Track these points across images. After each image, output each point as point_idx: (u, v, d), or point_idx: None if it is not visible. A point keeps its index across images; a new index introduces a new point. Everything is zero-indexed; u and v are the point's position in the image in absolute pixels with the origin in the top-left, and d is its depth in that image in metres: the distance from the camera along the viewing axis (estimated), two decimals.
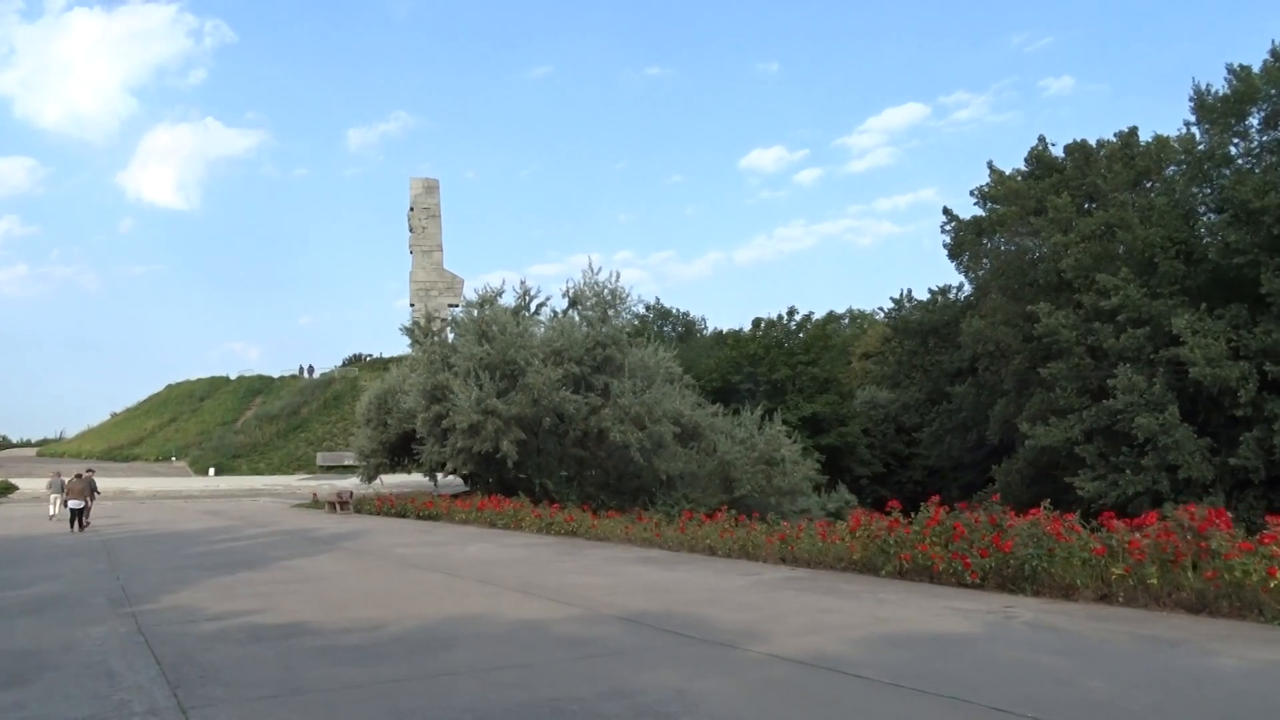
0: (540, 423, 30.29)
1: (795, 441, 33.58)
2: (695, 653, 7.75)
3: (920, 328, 51.67)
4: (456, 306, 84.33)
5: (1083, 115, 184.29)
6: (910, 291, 55.29)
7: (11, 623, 10.17)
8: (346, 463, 74.49)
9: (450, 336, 37.94)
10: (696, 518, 17.94)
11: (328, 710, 6.17)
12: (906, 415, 53.39)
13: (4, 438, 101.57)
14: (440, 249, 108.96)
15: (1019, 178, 44.72)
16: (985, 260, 50.40)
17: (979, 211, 51.23)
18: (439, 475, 42.52)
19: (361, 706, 6.22)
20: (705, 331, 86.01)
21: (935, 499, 14.13)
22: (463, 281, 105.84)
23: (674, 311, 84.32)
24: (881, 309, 60.93)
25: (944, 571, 11.64)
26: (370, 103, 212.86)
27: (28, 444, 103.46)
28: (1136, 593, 9.79)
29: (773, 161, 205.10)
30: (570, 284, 37.01)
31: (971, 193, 51.65)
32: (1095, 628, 8.43)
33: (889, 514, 13.55)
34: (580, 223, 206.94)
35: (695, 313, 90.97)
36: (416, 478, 47.18)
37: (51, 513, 33.33)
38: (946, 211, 52.44)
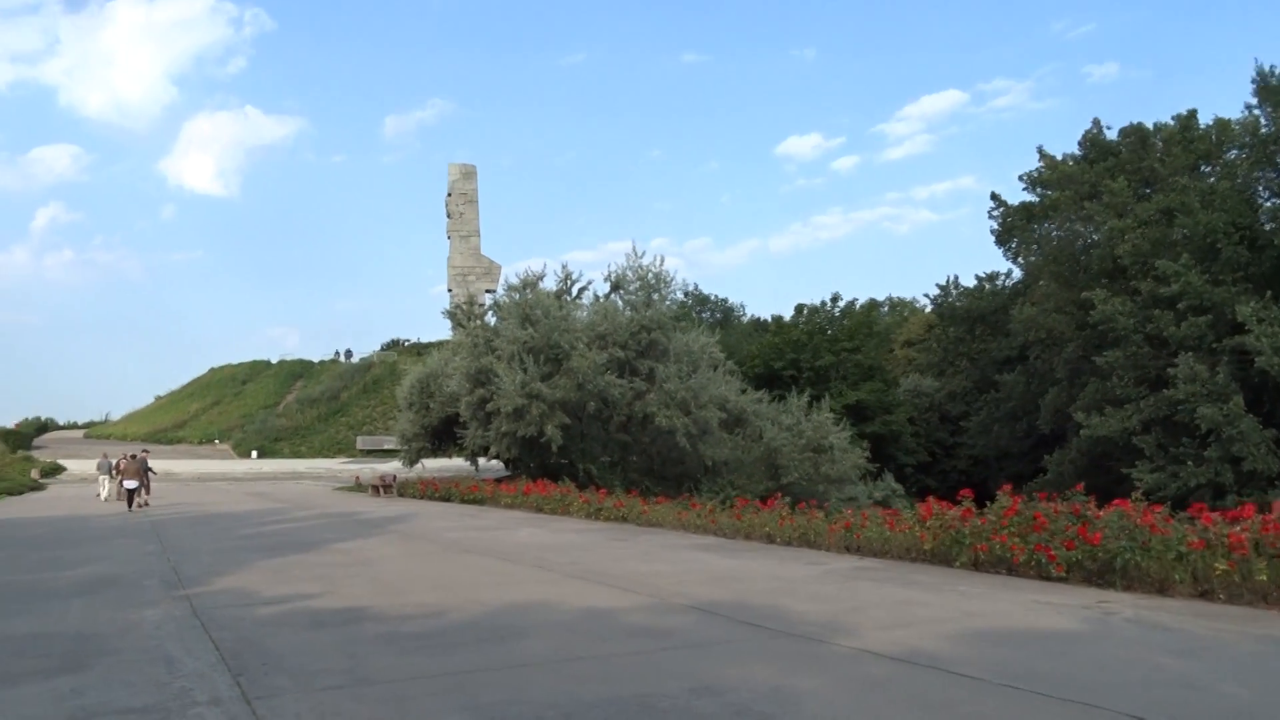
0: (584, 407, 29.93)
1: (843, 429, 32.96)
2: (781, 647, 7.30)
3: (967, 315, 50.65)
4: (494, 292, 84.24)
5: (1127, 102, 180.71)
6: (957, 278, 54.30)
7: (66, 604, 9.94)
8: (386, 446, 74.85)
9: (492, 320, 37.68)
10: (752, 504, 17.45)
11: (400, 703, 5.79)
12: (952, 404, 52.46)
13: (51, 420, 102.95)
14: (478, 234, 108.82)
15: (1071, 162, 43.56)
16: (1035, 246, 49.28)
17: (1029, 197, 50.11)
18: (480, 460, 42.48)
19: (435, 700, 5.83)
20: (744, 318, 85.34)
21: (1007, 488, 13.58)
22: (500, 267, 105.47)
23: (712, 298, 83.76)
24: (927, 295, 59.97)
25: (1024, 564, 11.08)
26: (407, 90, 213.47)
27: (74, 426, 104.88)
28: (1241, 589, 9.20)
29: (809, 148, 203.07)
30: (612, 268, 36.59)
31: (1020, 178, 50.58)
32: (1206, 626, 7.88)
33: (959, 503, 13.02)
34: (616, 210, 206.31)
35: (732, 300, 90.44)
36: (457, 462, 47.10)
37: (101, 494, 33.68)
38: (995, 197, 51.39)
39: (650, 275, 33.33)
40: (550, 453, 30.47)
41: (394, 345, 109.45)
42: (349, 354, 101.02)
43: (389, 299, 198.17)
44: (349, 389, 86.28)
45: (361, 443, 75.99)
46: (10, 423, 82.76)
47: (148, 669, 6.83)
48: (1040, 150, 49.21)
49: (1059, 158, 47.98)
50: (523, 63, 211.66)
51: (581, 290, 37.21)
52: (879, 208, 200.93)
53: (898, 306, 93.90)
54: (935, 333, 59.06)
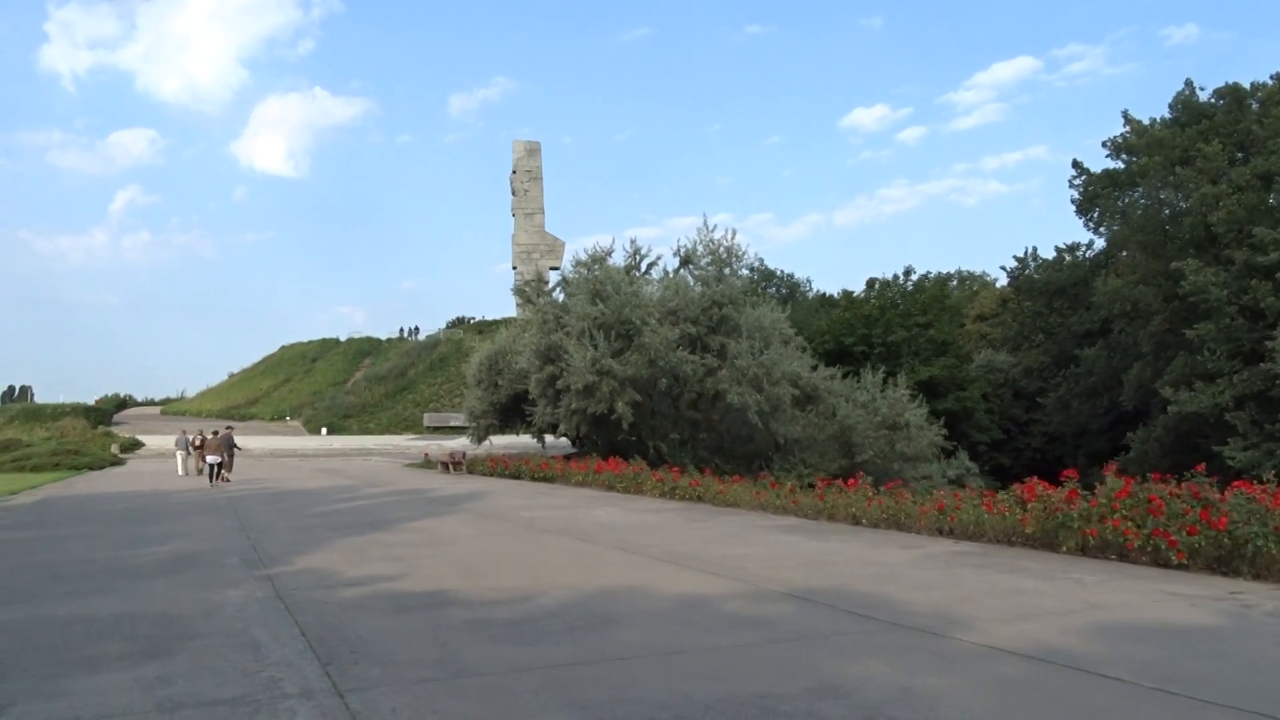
0: (655, 384, 29.50)
1: (918, 405, 32.08)
2: (897, 640, 6.80)
3: (1046, 288, 48.95)
4: (558, 269, 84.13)
5: (1208, 66, 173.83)
6: (1035, 250, 52.52)
7: (150, 584, 9.81)
8: (453, 424, 75.41)
9: (560, 297, 37.38)
10: (835, 484, 16.87)
11: (501, 699, 5.42)
12: (1028, 380, 50.91)
13: (130, 397, 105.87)
14: (542, 211, 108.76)
15: (1161, 126, 41.61)
16: (1120, 215, 47.46)
17: (1113, 164, 48.22)
18: (547, 437, 42.36)
19: (537, 697, 5.45)
20: (809, 294, 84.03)
21: (1112, 468, 12.85)
22: (564, 244, 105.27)
23: (778, 273, 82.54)
24: (1004, 268, 58.10)
25: (1139, 550, 10.41)
26: (471, 69, 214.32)
27: (151, 403, 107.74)
28: None
29: (875, 120, 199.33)
30: (680, 243, 36.04)
31: (1104, 144, 48.63)
32: None
33: (1062, 484, 12.34)
34: (677, 185, 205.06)
35: (798, 275, 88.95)
36: (524, 439, 47.08)
37: (180, 470, 34.31)
38: (1076, 165, 49.50)
39: (721, 249, 32.70)
40: (620, 430, 30.15)
41: (459, 323, 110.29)
42: (415, 332, 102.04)
43: (452, 278, 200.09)
44: (415, 366, 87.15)
45: (428, 420, 76.70)
46: (91, 400, 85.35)
47: (234, 656, 6.57)
48: (1126, 115, 47.27)
49: (1145, 122, 46.05)
50: (585, 39, 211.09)
51: (650, 265, 36.69)
52: (946, 180, 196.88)
53: (967, 280, 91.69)
54: (1011, 307, 57.35)
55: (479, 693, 5.55)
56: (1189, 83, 41.49)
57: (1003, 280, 67.06)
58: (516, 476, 29.69)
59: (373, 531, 14.52)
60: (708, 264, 33.00)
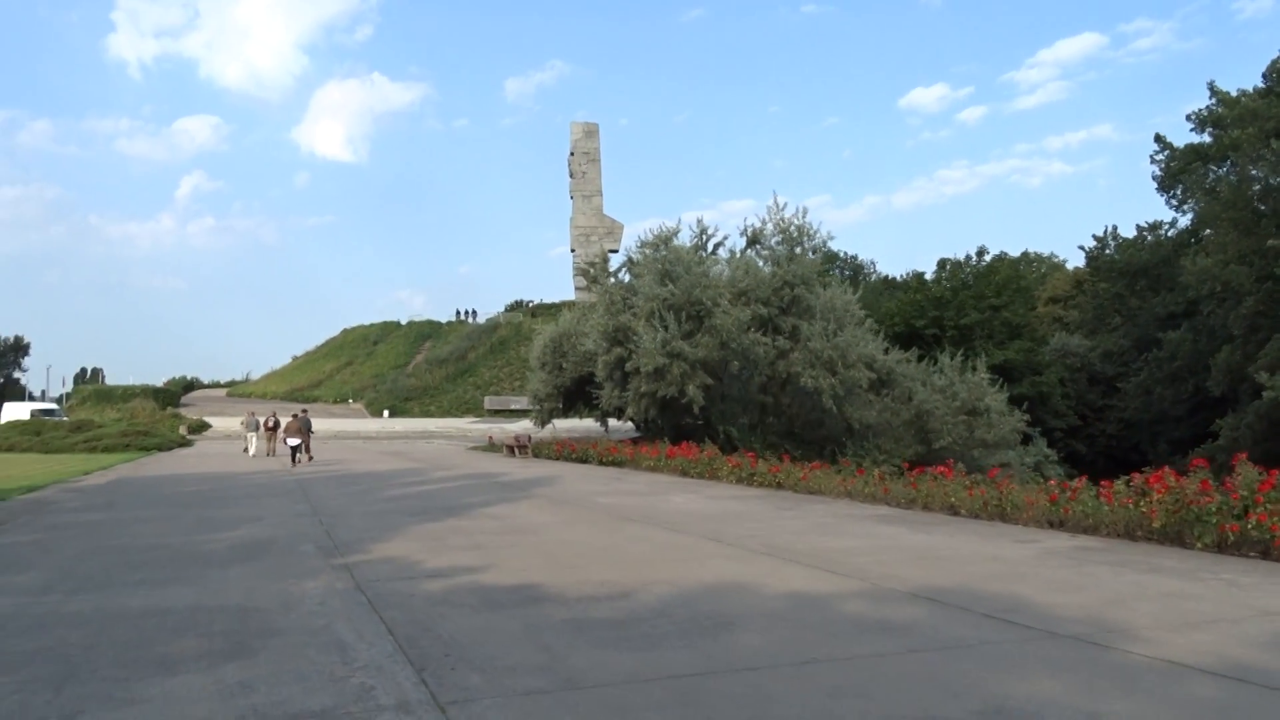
0: (726, 367, 28.73)
1: (999, 390, 30.86)
2: (1057, 652, 5.99)
3: (1126, 268, 47.04)
4: (616, 251, 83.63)
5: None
6: (1115, 229, 50.52)
7: (224, 572, 9.34)
8: (513, 407, 75.36)
9: (626, 278, 36.71)
10: (928, 472, 15.97)
11: (622, 717, 4.75)
12: (1106, 364, 49.06)
13: (196, 379, 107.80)
14: (600, 194, 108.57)
15: (1252, 96, 39.48)
16: (1211, 191, 45.42)
17: (1197, 138, 46.20)
18: (610, 421, 41.82)
19: (663, 713, 4.77)
20: (873, 276, 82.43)
21: (1241, 457, 11.80)
22: (622, 227, 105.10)
23: (841, 254, 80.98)
24: (1082, 248, 55.99)
25: None
26: (527, 52, 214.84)
27: (217, 385, 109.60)
28: None
29: (934, 100, 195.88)
30: (749, 222, 35.11)
31: (1188, 117, 46.61)
32: None
33: (1187, 474, 11.35)
34: (733, 168, 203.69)
35: (861, 256, 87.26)
36: (587, 423, 46.65)
37: (250, 450, 34.44)
38: (1159, 139, 47.55)
39: (792, 228, 31.77)
40: (692, 414, 29.48)
41: (517, 306, 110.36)
42: (473, 314, 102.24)
43: (508, 262, 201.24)
44: (476, 349, 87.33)
45: (489, 403, 76.74)
46: (159, 382, 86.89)
47: (318, 657, 5.99)
48: (1212, 86, 45.16)
49: (1233, 94, 43.91)
50: (640, 21, 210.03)
51: (717, 246, 35.87)
52: (1008, 160, 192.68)
53: (1034, 262, 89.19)
54: (1087, 288, 55.37)
55: (598, 709, 4.88)
56: None
57: (1074, 261, 65.07)
58: (584, 461, 29.17)
59: (448, 517, 14.00)
60: (778, 243, 32.09)
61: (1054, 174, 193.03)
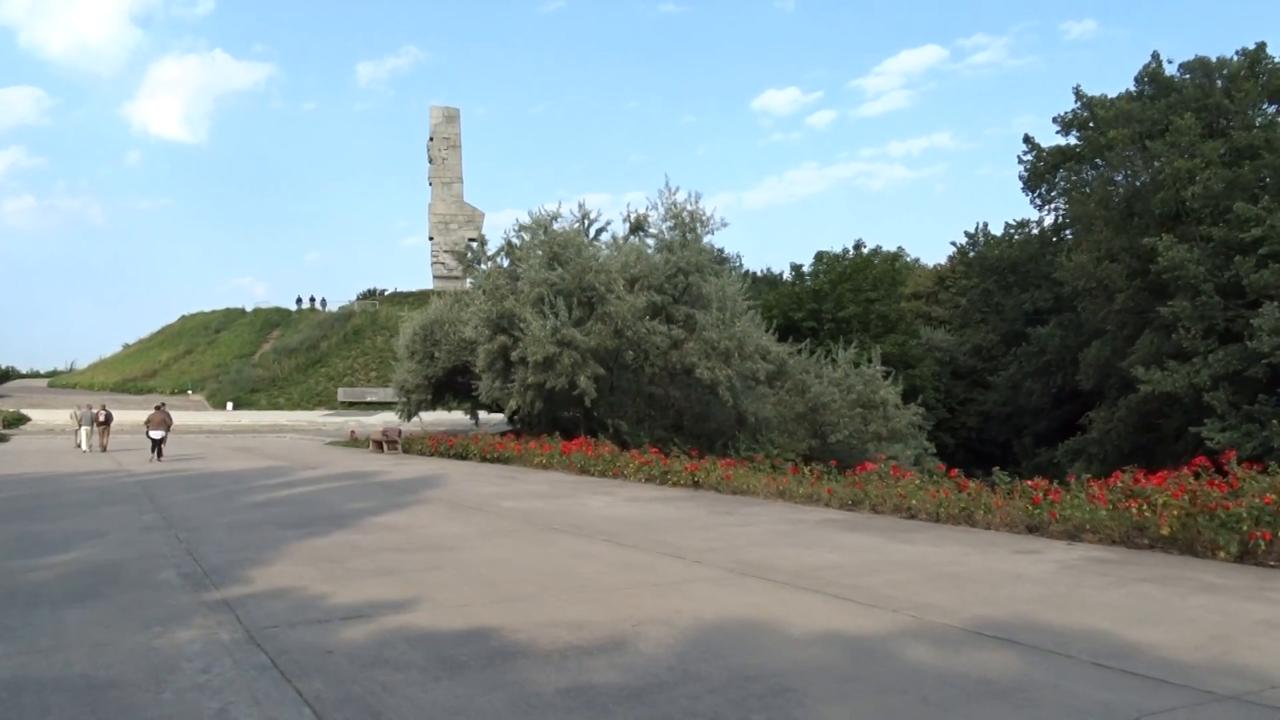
0: (618, 357, 27.03)
1: (893, 383, 30.29)
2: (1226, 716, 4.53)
3: (998, 264, 47.85)
4: (476, 240, 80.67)
5: (1104, 60, 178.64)
6: (986, 225, 51.43)
7: (59, 616, 6.98)
8: (369, 399, 71.65)
9: (505, 263, 34.44)
10: (879, 470, 14.69)
11: None
12: (976, 358, 49.86)
13: (12, 369, 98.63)
14: (460, 180, 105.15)
15: (1125, 99, 40.46)
16: (1075, 191, 46.73)
17: (1063, 140, 47.43)
18: (480, 414, 39.49)
19: None
20: (740, 270, 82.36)
21: (1232, 455, 10.84)
22: (483, 215, 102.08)
23: (708, 247, 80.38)
24: (954, 243, 56.59)
25: None
26: (380, 36, 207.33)
27: (37, 375, 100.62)
28: None
29: (786, 103, 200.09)
30: (631, 208, 33.60)
31: (1055, 119, 47.72)
32: None
33: (1198, 474, 10.28)
34: (591, 162, 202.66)
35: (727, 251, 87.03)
36: (455, 416, 44.10)
37: (82, 444, 31.17)
38: (1028, 140, 48.56)
39: (685, 213, 30.25)
40: (580, 406, 27.65)
41: (370, 295, 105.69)
42: (324, 304, 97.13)
43: (358, 250, 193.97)
44: (328, 339, 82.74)
45: (343, 394, 72.75)
46: None
47: None
48: (1077, 90, 46.38)
49: (1097, 96, 45.15)
50: (499, 10, 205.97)
51: (600, 231, 34.05)
52: (854, 163, 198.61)
53: (885, 260, 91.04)
54: (951, 284, 56.35)
55: None
56: (1155, 55, 40.58)
57: (926, 259, 66.59)
58: (463, 457, 26.96)
59: (336, 530, 11.76)
60: (670, 228, 30.55)
61: (896, 178, 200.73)
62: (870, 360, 30.03)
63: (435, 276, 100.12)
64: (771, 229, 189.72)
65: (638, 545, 10.31)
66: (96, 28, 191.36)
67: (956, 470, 14.55)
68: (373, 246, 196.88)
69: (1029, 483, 11.90)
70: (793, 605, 7.16)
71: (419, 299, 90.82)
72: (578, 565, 9.10)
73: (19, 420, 49.88)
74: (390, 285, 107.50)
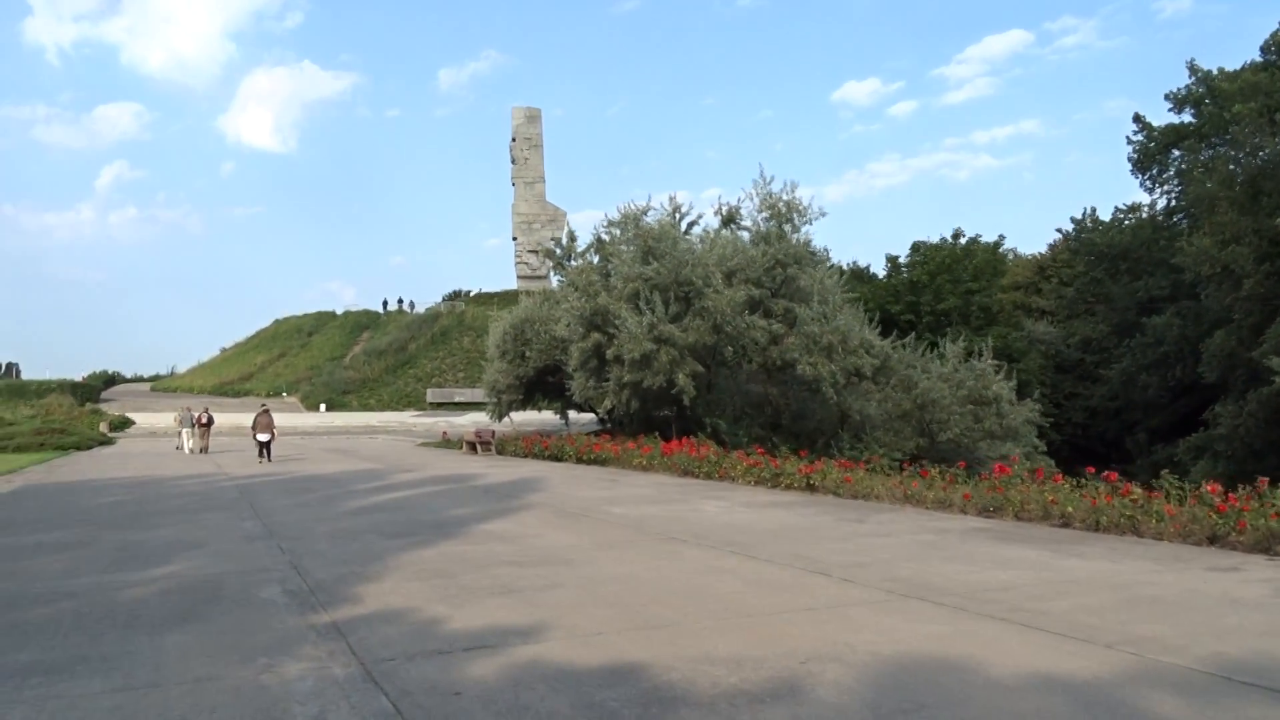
0: (716, 353, 26.08)
1: (1006, 378, 28.67)
2: None
3: (1108, 251, 45.40)
4: (558, 240, 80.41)
5: (1202, 39, 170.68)
6: (1094, 210, 48.90)
7: (159, 644, 6.34)
8: (457, 399, 71.95)
9: (595, 259, 33.72)
10: (1019, 473, 13.50)
11: None
12: (1086, 351, 47.43)
13: (118, 373, 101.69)
14: (543, 180, 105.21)
15: (1251, 71, 37.92)
16: (1191, 171, 44.16)
17: (1176, 119, 44.89)
18: (570, 414, 38.91)
19: None
20: (829, 264, 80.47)
21: None
22: (565, 214, 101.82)
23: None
24: (1059, 230, 53.89)
25: None
26: (460, 42, 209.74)
27: (141, 379, 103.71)
28: None
29: (866, 94, 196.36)
30: (723, 200, 32.58)
31: (1167, 97, 45.21)
32: None
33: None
34: (667, 160, 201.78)
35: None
36: (544, 416, 43.64)
37: (184, 447, 32.28)
38: (1138, 119, 46.05)
39: (780, 204, 29.10)
40: (679, 406, 26.80)
41: (457, 296, 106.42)
42: (411, 305, 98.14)
43: (441, 253, 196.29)
44: (416, 340, 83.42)
45: (432, 395, 73.19)
46: (78, 377, 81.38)
47: None
48: (1192, 65, 43.84)
49: (1213, 71, 42.59)
50: (577, 11, 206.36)
51: (691, 225, 33.10)
52: (937, 154, 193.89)
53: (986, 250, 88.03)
54: (1060, 273, 53.88)
55: None
56: None
57: (1021, 249, 63.94)
58: (559, 458, 26.29)
59: (442, 539, 11.07)
60: (765, 219, 29.43)
61: (981, 167, 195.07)
62: (981, 354, 28.42)
63: (519, 276, 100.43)
64: (853, 223, 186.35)
65: (772, 559, 9.36)
66: (192, 43, 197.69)
67: (1061, 472, 13.34)
68: (455, 249, 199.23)
69: (1208, 487, 10.58)
70: (981, 638, 6.14)
71: (504, 299, 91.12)
72: (712, 583, 8.19)
73: (124, 424, 51.09)
74: (473, 286, 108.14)
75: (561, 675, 5.41)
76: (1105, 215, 49.37)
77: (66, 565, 9.68)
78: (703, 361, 25.83)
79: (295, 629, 6.75)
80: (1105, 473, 12.76)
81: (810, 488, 16.24)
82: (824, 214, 29.23)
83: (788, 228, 28.97)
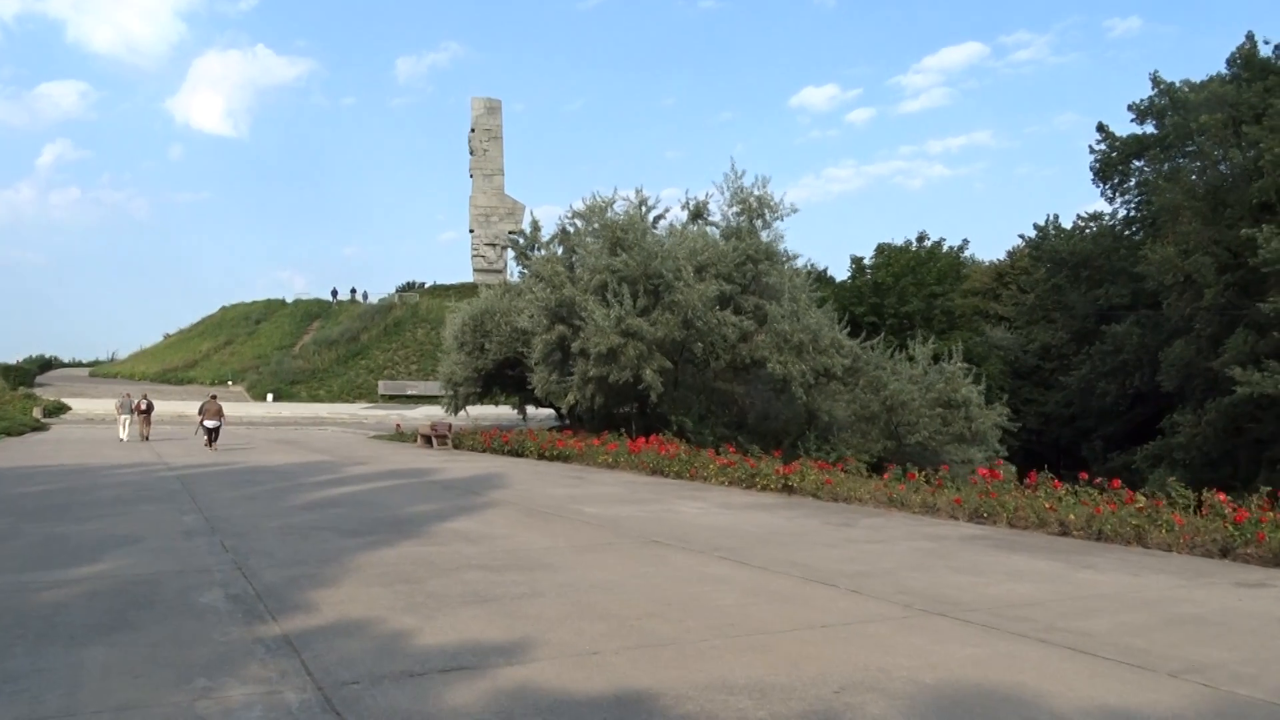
0: (685, 349, 25.34)
1: (975, 381, 28.29)
2: None
3: (1071, 259, 45.47)
4: (515, 234, 79.24)
5: (1149, 58, 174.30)
6: (1057, 218, 48.99)
7: (77, 658, 5.42)
8: (410, 392, 70.51)
9: (559, 251, 32.81)
10: (1009, 479, 12.93)
11: None
12: (1044, 358, 47.47)
13: (55, 358, 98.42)
14: (501, 173, 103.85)
15: (1217, 83, 38.02)
16: (1140, 183, 44.46)
17: (1139, 129, 45.11)
18: (528, 409, 38.00)
19: None
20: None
21: None
22: (524, 208, 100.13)
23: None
24: (1022, 236, 53.97)
25: None
26: (419, 32, 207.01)
27: (79, 364, 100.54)
28: None
29: (825, 100, 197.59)
30: (690, 194, 31.87)
31: (1130, 107, 45.38)
32: None
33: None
34: (626, 158, 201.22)
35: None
36: (501, 410, 42.64)
37: (122, 434, 31.08)
38: (1101, 128, 46.16)
39: (752, 199, 28.41)
40: (638, 402, 26.05)
41: (411, 287, 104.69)
42: (365, 296, 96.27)
43: (395, 245, 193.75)
44: (368, 331, 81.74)
45: (384, 387, 71.72)
46: (13, 360, 78.48)
47: None
48: (1154, 76, 43.97)
49: (1174, 84, 42.82)
50: (538, 6, 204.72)
51: (658, 218, 32.29)
52: (892, 161, 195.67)
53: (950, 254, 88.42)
54: (1019, 280, 54.00)
55: None
56: (1250, 36, 38.08)
57: (985, 255, 64.23)
58: (519, 454, 25.38)
59: (403, 539, 10.19)
60: (736, 214, 28.74)
61: (934, 176, 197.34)
62: (951, 356, 28.02)
63: (476, 270, 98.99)
64: (809, 227, 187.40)
65: (766, 566, 8.62)
66: (141, 22, 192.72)
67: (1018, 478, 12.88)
68: (409, 241, 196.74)
69: (1218, 496, 10.05)
70: (1026, 663, 5.44)
71: (460, 291, 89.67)
72: (708, 593, 7.42)
73: (59, 409, 49.12)
74: (428, 279, 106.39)
75: (558, 706, 4.61)
76: (1071, 223, 49.48)
77: None
78: (670, 357, 25.08)
79: (240, 642, 5.86)
80: (1112, 479, 12.27)
81: (788, 489, 15.56)
82: (795, 210, 28.60)
83: (759, 223, 28.29)
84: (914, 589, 7.56)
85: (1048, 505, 11.30)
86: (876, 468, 23.12)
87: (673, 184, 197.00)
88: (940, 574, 8.28)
